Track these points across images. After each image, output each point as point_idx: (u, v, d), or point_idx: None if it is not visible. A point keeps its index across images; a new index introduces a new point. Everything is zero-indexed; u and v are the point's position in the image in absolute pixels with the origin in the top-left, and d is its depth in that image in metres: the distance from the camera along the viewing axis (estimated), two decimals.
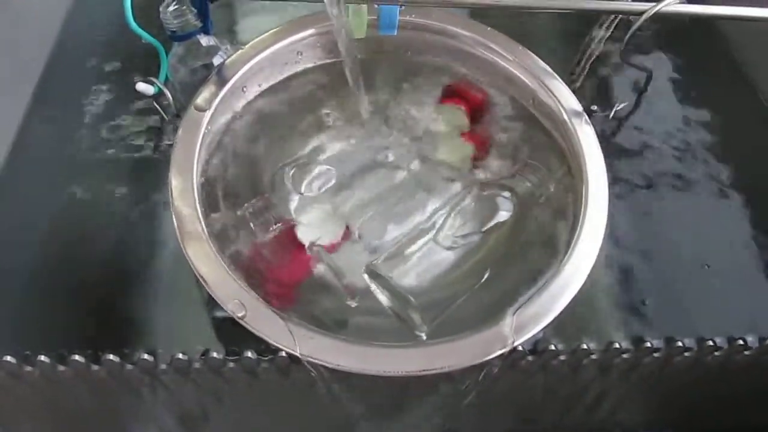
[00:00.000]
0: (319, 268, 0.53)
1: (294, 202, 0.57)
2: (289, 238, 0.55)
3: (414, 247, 0.50)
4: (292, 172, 0.58)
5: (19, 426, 0.61)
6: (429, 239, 0.50)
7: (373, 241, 0.53)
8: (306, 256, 0.53)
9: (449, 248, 0.49)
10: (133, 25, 0.55)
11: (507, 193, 0.53)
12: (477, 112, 0.62)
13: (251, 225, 0.53)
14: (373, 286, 0.50)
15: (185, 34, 0.56)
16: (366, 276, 0.50)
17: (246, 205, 0.54)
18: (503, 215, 0.52)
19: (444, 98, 0.63)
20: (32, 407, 0.57)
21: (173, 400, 0.55)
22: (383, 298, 0.50)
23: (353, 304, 0.51)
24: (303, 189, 0.57)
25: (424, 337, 0.47)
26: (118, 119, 0.65)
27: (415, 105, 0.64)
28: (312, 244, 0.53)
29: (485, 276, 0.49)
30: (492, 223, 0.51)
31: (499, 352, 0.43)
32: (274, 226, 0.54)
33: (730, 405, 0.62)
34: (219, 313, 0.52)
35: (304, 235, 0.55)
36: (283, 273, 0.53)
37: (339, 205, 0.57)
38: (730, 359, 0.54)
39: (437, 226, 0.51)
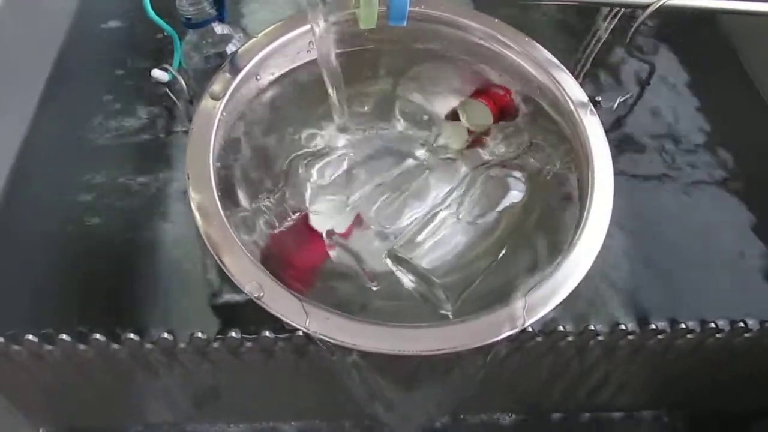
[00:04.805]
0: (336, 255, 0.54)
1: (308, 190, 0.58)
2: (304, 225, 0.56)
3: (430, 230, 0.51)
4: (306, 161, 0.59)
5: (35, 405, 0.62)
6: (444, 221, 0.51)
7: (388, 226, 0.55)
8: (322, 241, 0.54)
9: (465, 229, 0.51)
10: (151, 12, 0.56)
11: (518, 174, 0.54)
12: (504, 113, 0.63)
13: (267, 216, 0.54)
14: (396, 270, 0.51)
15: (200, 21, 0.57)
16: (388, 260, 0.51)
17: (261, 196, 0.55)
18: (515, 195, 0.53)
19: (474, 95, 0.64)
20: (49, 387, 0.58)
21: (189, 379, 0.56)
22: (406, 280, 0.51)
23: (374, 287, 0.52)
24: (315, 177, 0.58)
25: (451, 316, 0.49)
26: (132, 106, 0.66)
27: (421, 94, 0.65)
28: (330, 232, 0.54)
29: (501, 254, 0.51)
30: (505, 203, 0.53)
31: (511, 332, 0.44)
32: (292, 217, 0.55)
33: (730, 387, 0.63)
34: (235, 296, 0.53)
35: (318, 223, 0.56)
36: (301, 259, 0.54)
37: (350, 193, 0.58)
38: (732, 341, 0.56)
39: (451, 208, 0.52)
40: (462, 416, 0.66)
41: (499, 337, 0.45)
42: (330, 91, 0.56)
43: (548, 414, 0.67)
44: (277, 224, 0.54)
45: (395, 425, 0.61)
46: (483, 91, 0.64)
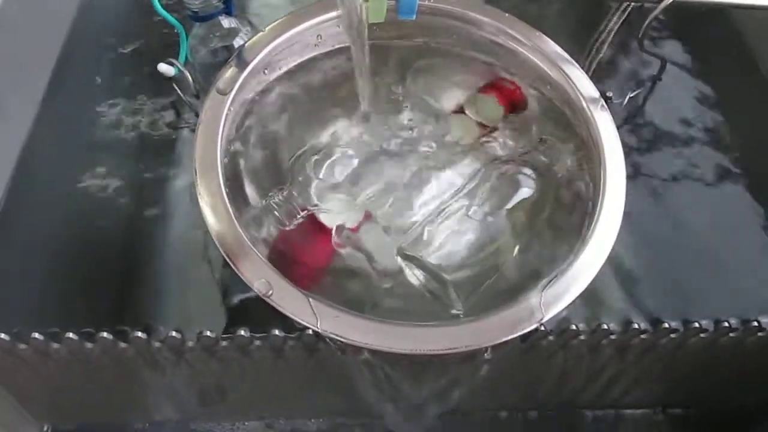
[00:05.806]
0: (346, 253, 0.53)
1: (316, 188, 0.57)
2: (312, 223, 0.55)
3: (441, 227, 0.50)
4: (314, 158, 0.58)
5: (40, 402, 0.61)
6: (454, 218, 0.51)
7: (397, 223, 0.54)
8: (329, 239, 0.54)
9: (475, 226, 0.50)
10: (157, 5, 0.55)
11: (528, 170, 0.54)
12: (514, 107, 0.63)
13: (276, 214, 0.54)
14: (406, 267, 0.51)
15: (207, 15, 0.57)
16: (399, 258, 0.51)
17: (270, 194, 0.54)
18: (526, 192, 0.53)
19: (483, 89, 0.63)
20: (55, 384, 0.58)
21: (196, 377, 0.55)
22: (415, 278, 0.50)
23: (386, 284, 0.51)
24: (324, 175, 0.58)
25: (461, 315, 0.48)
26: (137, 100, 0.65)
27: (431, 89, 0.64)
28: (340, 228, 0.53)
29: (514, 252, 0.50)
30: (516, 200, 0.52)
31: (528, 330, 0.44)
32: (300, 215, 0.54)
33: (740, 386, 0.63)
34: (242, 294, 0.53)
35: (328, 221, 0.55)
36: (309, 257, 0.53)
37: (360, 189, 0.57)
38: (745, 340, 0.55)
39: (461, 205, 0.52)
40: (469, 413, 0.66)
41: (516, 335, 0.44)
42: (358, 75, 0.56)
43: (555, 411, 0.67)
44: (287, 222, 0.53)
45: (404, 421, 0.61)
46: (492, 86, 0.63)
